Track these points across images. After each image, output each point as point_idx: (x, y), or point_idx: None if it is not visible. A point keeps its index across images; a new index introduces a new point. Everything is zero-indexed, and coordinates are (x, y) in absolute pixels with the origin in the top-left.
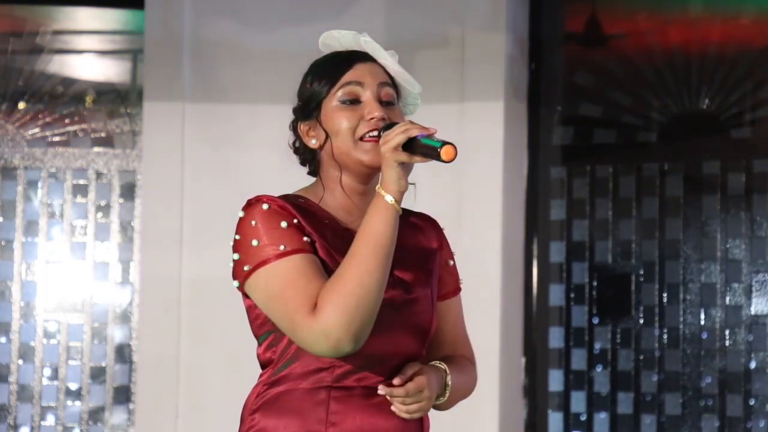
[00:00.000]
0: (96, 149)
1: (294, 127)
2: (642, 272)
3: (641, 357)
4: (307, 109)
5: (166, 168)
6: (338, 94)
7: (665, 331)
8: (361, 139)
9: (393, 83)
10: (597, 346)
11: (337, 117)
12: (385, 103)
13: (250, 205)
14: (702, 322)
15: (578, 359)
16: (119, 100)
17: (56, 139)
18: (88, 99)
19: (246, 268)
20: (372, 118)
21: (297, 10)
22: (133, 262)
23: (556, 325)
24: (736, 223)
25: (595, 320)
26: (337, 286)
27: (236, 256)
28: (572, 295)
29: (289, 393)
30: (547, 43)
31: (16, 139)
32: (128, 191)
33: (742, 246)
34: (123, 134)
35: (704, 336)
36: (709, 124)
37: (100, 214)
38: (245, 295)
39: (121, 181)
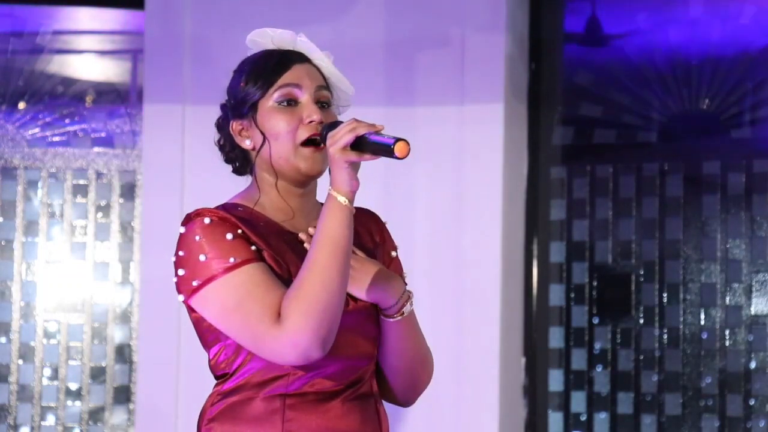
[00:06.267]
0: (96, 149)
1: (221, 125)
2: (642, 272)
3: (641, 357)
4: (241, 108)
5: (166, 168)
6: (275, 95)
7: (665, 331)
8: (302, 144)
9: (327, 85)
10: (597, 346)
11: (275, 119)
12: (322, 105)
13: (190, 219)
14: (702, 322)
15: (578, 359)
16: (119, 100)
17: (56, 139)
18: (88, 99)
19: (195, 283)
20: (311, 122)
21: (297, 10)
22: (133, 262)
23: (556, 325)
24: (736, 223)
25: (595, 320)
26: (300, 293)
27: (181, 272)
28: (572, 295)
29: (244, 402)
30: (547, 43)
31: (16, 139)
32: (128, 191)
33: (742, 246)
34: (123, 134)
35: (704, 336)
36: (709, 124)
37: (100, 214)
38: (191, 309)
39: (121, 181)
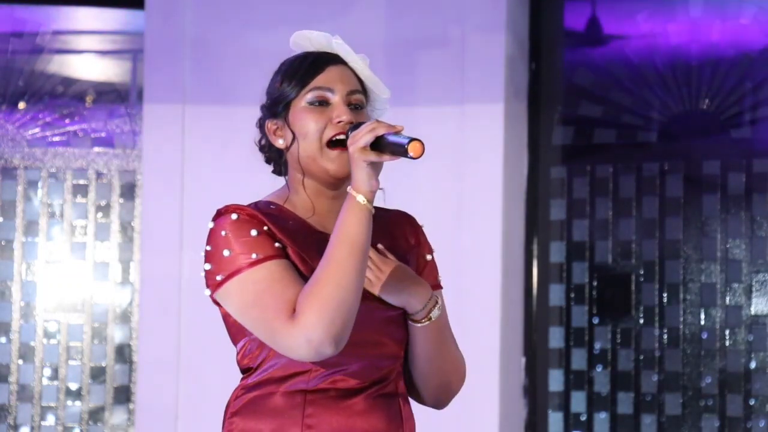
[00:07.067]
0: (96, 149)
1: (261, 125)
2: (642, 272)
3: (641, 357)
4: (276, 108)
5: (166, 168)
6: (308, 96)
7: (665, 331)
8: (329, 144)
9: (362, 88)
10: (597, 346)
11: (305, 118)
12: (354, 107)
13: (220, 215)
14: (702, 322)
15: (578, 359)
16: (119, 100)
17: (56, 139)
18: (88, 99)
19: (218, 277)
20: (340, 122)
21: (297, 10)
22: (133, 262)
23: (556, 325)
24: (736, 223)
25: (595, 320)
26: (315, 289)
27: (208, 266)
28: (572, 295)
29: (266, 397)
30: (547, 43)
31: (16, 139)
32: (128, 191)
33: (742, 246)
34: (123, 134)
35: (704, 336)
36: (709, 124)
37: (100, 214)
38: (218, 304)
39: (121, 181)
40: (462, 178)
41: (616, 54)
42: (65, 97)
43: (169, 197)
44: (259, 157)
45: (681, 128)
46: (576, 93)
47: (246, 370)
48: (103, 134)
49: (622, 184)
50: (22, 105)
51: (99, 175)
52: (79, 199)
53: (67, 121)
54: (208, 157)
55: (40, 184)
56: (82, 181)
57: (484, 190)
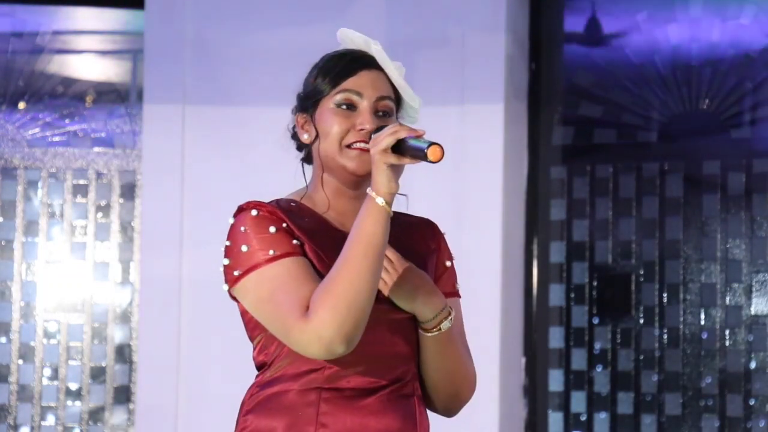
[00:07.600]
0: (96, 149)
1: (294, 114)
2: (642, 272)
3: (641, 357)
4: (306, 103)
5: (166, 168)
6: (336, 97)
7: (665, 331)
8: (348, 146)
9: (394, 96)
10: (597, 346)
11: (329, 119)
12: (381, 115)
13: (241, 211)
14: (702, 322)
15: (578, 359)
16: (119, 100)
17: (56, 139)
18: (88, 99)
19: (236, 273)
20: (362, 130)
21: (297, 10)
22: (133, 262)
23: (556, 325)
24: (736, 223)
25: (595, 320)
26: (328, 287)
27: (226, 261)
28: (572, 295)
29: (280, 394)
30: (547, 43)
31: (16, 139)
32: (128, 191)
33: (742, 246)
34: (123, 134)
35: (704, 336)
36: (709, 124)
37: (100, 214)
38: (235, 299)
39: (121, 181)
40: (462, 178)
41: (616, 54)
42: (65, 97)
43: (169, 197)
44: (258, 157)
45: (681, 128)
46: (576, 93)
47: (261, 366)
48: (103, 134)
49: (622, 184)
50: (22, 105)
51: (99, 175)
52: (79, 199)
53: (67, 121)
54: (208, 157)
55: (40, 184)
56: (82, 181)
57: (484, 190)
